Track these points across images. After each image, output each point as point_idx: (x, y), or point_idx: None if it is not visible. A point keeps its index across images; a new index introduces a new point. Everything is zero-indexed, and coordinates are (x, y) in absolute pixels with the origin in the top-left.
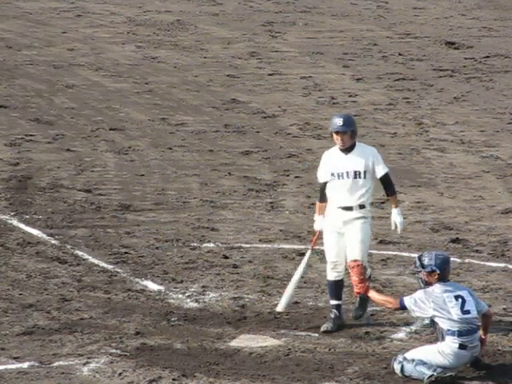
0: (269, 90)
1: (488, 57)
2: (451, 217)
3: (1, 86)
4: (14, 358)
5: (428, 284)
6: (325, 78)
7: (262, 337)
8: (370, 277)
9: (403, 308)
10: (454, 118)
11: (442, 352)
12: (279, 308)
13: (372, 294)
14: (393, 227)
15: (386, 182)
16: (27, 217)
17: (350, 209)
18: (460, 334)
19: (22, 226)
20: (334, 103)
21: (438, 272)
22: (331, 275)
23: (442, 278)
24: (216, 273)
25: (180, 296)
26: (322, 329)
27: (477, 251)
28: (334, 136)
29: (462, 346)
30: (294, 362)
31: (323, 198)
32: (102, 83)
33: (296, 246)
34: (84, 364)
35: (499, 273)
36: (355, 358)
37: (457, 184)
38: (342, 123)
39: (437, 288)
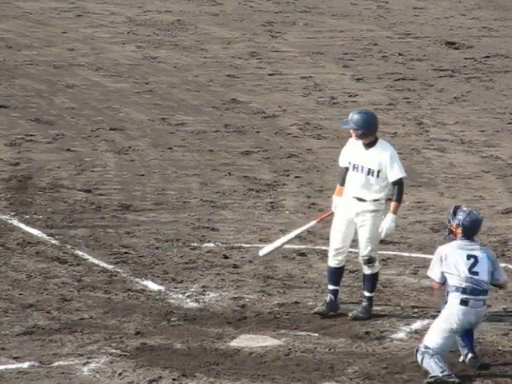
0: (269, 90)
1: (488, 57)
2: None
3: (1, 86)
4: (14, 358)
5: (452, 234)
6: (325, 77)
7: (262, 337)
8: (377, 273)
9: (440, 282)
10: (454, 118)
11: (447, 315)
12: (260, 252)
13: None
14: (379, 229)
15: (395, 187)
16: (27, 217)
17: (363, 200)
18: (464, 290)
19: (22, 225)
20: (334, 103)
21: (462, 228)
22: (332, 262)
23: (467, 235)
24: (216, 273)
25: (180, 296)
26: (315, 310)
27: None
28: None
29: (463, 302)
30: (294, 362)
31: (342, 182)
32: (102, 83)
33: (296, 246)
34: (84, 364)
35: None
36: (355, 358)
37: (457, 184)
38: (347, 118)
39: (454, 243)
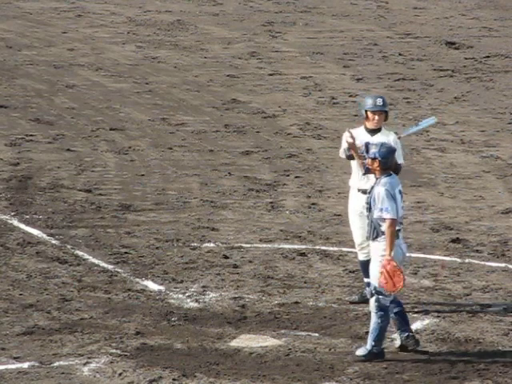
0: (269, 90)
1: (488, 57)
2: (451, 217)
3: (1, 86)
4: (14, 358)
5: (370, 172)
6: (325, 77)
7: (262, 337)
8: None
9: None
10: (454, 118)
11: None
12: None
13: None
14: None
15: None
16: (27, 217)
17: (366, 192)
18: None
19: (22, 225)
20: (334, 103)
21: (379, 159)
22: (360, 256)
23: (385, 167)
24: (216, 273)
25: (180, 296)
26: (348, 299)
27: (477, 251)
28: (370, 115)
29: (397, 235)
30: (294, 362)
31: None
32: (102, 83)
33: (296, 246)
34: (84, 364)
35: (499, 273)
36: (355, 358)
37: (457, 184)
38: (381, 103)
39: (390, 181)
